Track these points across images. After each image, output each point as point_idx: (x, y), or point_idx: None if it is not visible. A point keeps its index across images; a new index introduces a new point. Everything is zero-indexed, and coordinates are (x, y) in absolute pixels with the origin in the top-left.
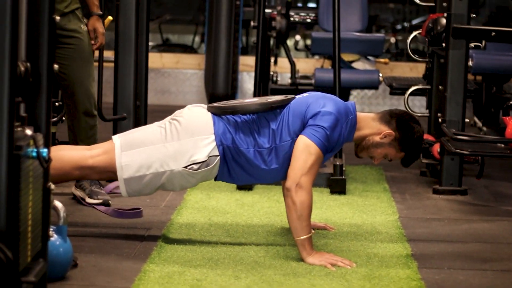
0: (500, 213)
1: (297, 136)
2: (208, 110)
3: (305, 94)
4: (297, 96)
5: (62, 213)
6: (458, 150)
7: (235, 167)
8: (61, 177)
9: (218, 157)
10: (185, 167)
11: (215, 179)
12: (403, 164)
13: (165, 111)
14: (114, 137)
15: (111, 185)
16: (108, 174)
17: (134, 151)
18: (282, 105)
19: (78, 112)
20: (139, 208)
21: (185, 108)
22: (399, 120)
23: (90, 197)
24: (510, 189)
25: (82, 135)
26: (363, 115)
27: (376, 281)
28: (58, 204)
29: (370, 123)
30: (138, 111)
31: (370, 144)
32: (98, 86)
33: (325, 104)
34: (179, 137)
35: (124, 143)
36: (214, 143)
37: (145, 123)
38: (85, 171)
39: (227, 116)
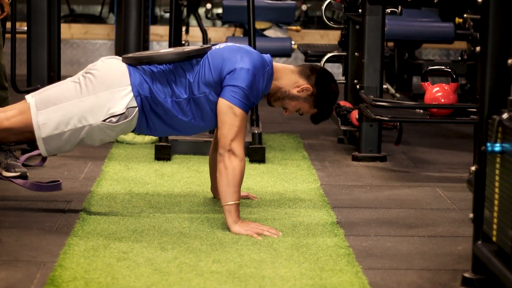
0: (421, 178)
1: (214, 88)
2: (123, 61)
3: (221, 45)
4: (213, 47)
5: None
6: (377, 117)
7: (154, 118)
8: None
9: (137, 108)
10: (104, 120)
11: (133, 131)
12: (313, 120)
13: None
14: (27, 97)
15: (22, 158)
16: (25, 134)
17: (50, 109)
18: (198, 54)
19: None
20: (58, 181)
21: (98, 61)
22: (319, 77)
23: (7, 170)
24: (428, 155)
25: None
26: (281, 65)
27: (304, 249)
28: None
29: (288, 74)
30: (52, 82)
31: (286, 95)
32: (11, 57)
33: (241, 58)
34: (95, 90)
35: (39, 102)
36: (132, 94)
37: None
38: (2, 133)
39: (143, 66)
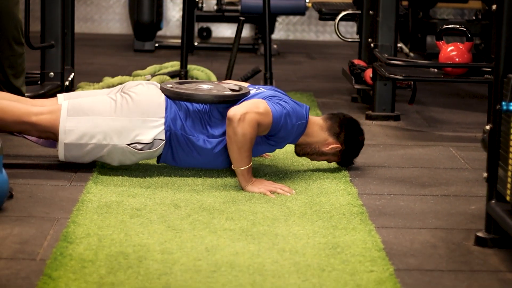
0: (434, 138)
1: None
2: (162, 91)
3: (261, 89)
4: (251, 91)
5: None
6: (391, 75)
7: (181, 153)
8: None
9: (163, 141)
10: (129, 144)
11: (158, 161)
12: (341, 165)
13: (90, 39)
14: (59, 97)
15: None
16: (48, 134)
17: (81, 118)
18: (237, 100)
19: (6, 40)
20: None
21: (139, 84)
22: (347, 134)
23: None
24: (442, 114)
25: (10, 63)
26: (312, 121)
27: (317, 207)
28: None
29: (318, 132)
30: (66, 39)
31: (315, 152)
32: (25, 13)
33: (282, 98)
34: (129, 114)
35: (71, 108)
36: (163, 127)
37: (73, 51)
38: (26, 126)
39: (180, 102)
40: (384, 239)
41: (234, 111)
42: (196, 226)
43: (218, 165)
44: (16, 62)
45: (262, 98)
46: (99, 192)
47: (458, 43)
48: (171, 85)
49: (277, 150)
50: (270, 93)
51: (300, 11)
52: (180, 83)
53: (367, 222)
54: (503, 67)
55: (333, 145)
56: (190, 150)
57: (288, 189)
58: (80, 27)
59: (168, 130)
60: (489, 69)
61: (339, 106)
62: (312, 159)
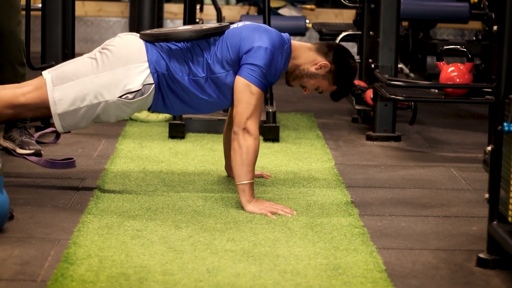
0: (435, 158)
1: (231, 67)
2: (140, 38)
3: (239, 24)
4: (231, 26)
5: None
6: (392, 96)
7: (170, 96)
8: None
9: (153, 85)
10: (120, 96)
11: (149, 109)
12: (333, 97)
13: None
14: (44, 73)
15: (36, 135)
16: (41, 110)
17: (67, 85)
18: (216, 32)
19: (9, 61)
20: (72, 158)
21: (115, 37)
22: (336, 53)
23: (21, 147)
24: (443, 135)
25: (12, 84)
26: (298, 44)
27: (319, 228)
28: None
29: (306, 52)
30: (66, 60)
31: (304, 73)
32: (26, 35)
33: (259, 37)
34: (112, 66)
35: (55, 78)
36: (148, 71)
37: None
38: (18, 109)
39: (160, 43)
40: (386, 260)
41: (237, 124)
42: (197, 247)
43: (206, 110)
44: (18, 83)
45: (245, 76)
46: (100, 213)
47: (459, 64)
48: (149, 31)
49: (277, 172)
50: (246, 33)
51: (300, 31)
52: (158, 29)
53: (369, 243)
54: (504, 88)
55: (321, 63)
56: (178, 91)
57: (289, 210)
58: (80, 48)
59: (155, 72)
60: (490, 90)
61: (339, 127)
62: (303, 84)
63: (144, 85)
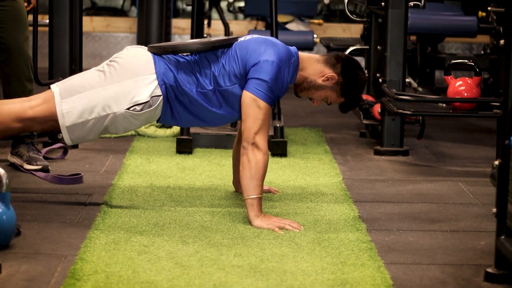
0: (443, 173)
1: (238, 80)
2: (148, 50)
3: (247, 37)
4: (239, 39)
5: (4, 180)
6: (400, 110)
7: (179, 107)
8: (3, 132)
9: (161, 96)
10: (128, 108)
11: (158, 121)
12: (341, 109)
13: None
14: (52, 86)
15: (44, 151)
16: (50, 123)
17: (75, 97)
18: (224, 45)
19: (16, 76)
20: (79, 174)
21: (124, 49)
22: (344, 65)
23: (29, 163)
24: (451, 149)
25: None
26: (306, 56)
27: (326, 244)
28: (0, 170)
29: (314, 64)
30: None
31: (311, 85)
32: (33, 50)
33: (265, 50)
34: (119, 78)
35: (63, 90)
36: (156, 82)
37: None
38: (26, 122)
39: (168, 56)
40: (394, 275)
41: (246, 140)
42: (204, 262)
43: (215, 123)
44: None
45: (253, 91)
46: (107, 228)
47: (467, 78)
48: (156, 44)
49: (285, 186)
50: (253, 46)
51: (308, 46)
52: (165, 42)
53: (376, 258)
54: None
55: (328, 74)
56: (187, 103)
57: (297, 225)
58: (88, 63)
59: (163, 84)
60: (498, 104)
61: (347, 141)
62: (310, 96)
63: (152, 97)
